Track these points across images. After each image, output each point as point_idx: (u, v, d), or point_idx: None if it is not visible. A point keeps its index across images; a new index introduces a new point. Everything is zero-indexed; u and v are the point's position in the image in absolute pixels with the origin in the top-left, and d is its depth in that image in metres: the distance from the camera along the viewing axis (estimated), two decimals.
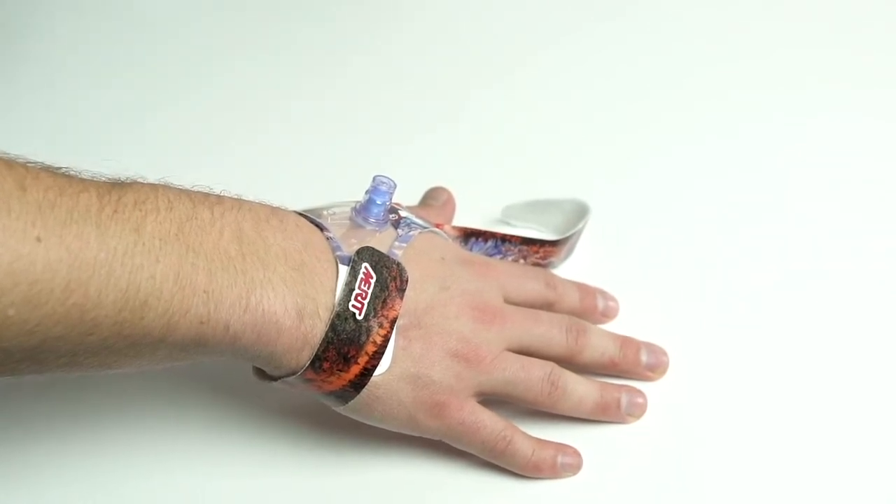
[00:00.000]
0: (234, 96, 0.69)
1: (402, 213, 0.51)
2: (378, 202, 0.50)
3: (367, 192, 0.50)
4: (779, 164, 0.63)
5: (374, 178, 0.50)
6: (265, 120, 0.67)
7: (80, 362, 0.41)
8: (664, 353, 0.54)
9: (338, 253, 0.47)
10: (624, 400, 0.51)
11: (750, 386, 0.53)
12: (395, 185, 0.50)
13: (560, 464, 0.50)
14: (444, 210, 0.58)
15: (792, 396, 0.52)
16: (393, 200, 0.51)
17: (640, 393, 0.52)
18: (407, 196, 0.56)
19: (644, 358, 0.53)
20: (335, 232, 0.48)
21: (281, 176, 0.63)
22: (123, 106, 0.68)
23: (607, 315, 0.56)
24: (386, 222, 0.50)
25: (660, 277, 0.57)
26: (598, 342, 0.52)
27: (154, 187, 0.42)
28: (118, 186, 0.41)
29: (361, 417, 0.48)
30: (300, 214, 0.49)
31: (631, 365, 0.53)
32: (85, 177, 0.41)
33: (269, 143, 0.66)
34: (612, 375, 0.53)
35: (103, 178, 0.42)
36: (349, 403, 0.47)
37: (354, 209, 0.50)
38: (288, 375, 0.46)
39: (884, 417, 0.51)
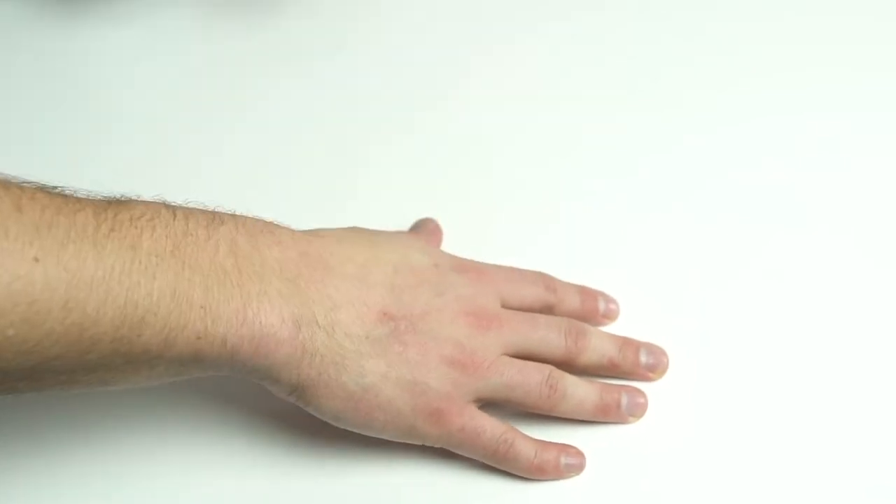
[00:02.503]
0: (224, 115, 0.68)
1: None
2: None
3: None
4: (780, 166, 0.62)
5: None
6: (257, 139, 0.66)
7: (78, 380, 0.41)
8: (664, 354, 0.54)
9: None
10: (624, 400, 0.52)
11: (751, 385, 0.53)
12: None
13: (563, 465, 0.50)
14: (431, 240, 0.57)
15: (793, 396, 0.52)
16: None
17: (640, 393, 0.52)
18: (396, 221, 0.58)
19: (644, 359, 0.53)
20: None
21: (274, 195, 0.62)
22: (118, 124, 0.67)
23: (608, 317, 0.55)
24: None
25: (659, 278, 0.57)
26: (597, 344, 0.52)
27: (149, 204, 0.43)
28: (114, 204, 0.42)
29: (362, 429, 0.48)
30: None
31: (631, 366, 0.53)
32: (80, 196, 0.41)
33: (260, 162, 0.64)
34: (612, 377, 0.53)
35: (99, 197, 0.42)
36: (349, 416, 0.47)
37: None
38: (286, 391, 0.46)
39: (885, 420, 0.51)
